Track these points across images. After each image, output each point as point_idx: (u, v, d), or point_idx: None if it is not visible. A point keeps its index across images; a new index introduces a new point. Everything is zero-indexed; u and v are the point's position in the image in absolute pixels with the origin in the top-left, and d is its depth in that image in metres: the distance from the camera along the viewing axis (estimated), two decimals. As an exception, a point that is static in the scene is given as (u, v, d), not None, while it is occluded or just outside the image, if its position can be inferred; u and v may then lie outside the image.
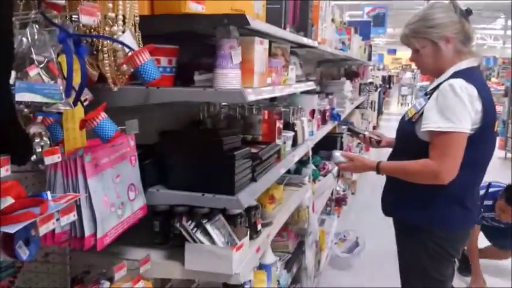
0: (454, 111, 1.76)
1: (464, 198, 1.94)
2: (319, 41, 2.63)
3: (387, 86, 17.11)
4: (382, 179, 2.14)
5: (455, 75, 1.85)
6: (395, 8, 20.53)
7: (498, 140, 9.00)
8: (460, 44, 1.88)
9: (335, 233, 4.03)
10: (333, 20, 4.00)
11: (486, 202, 3.57)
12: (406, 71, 25.82)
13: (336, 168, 3.74)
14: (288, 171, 2.86)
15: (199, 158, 1.58)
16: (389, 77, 18.64)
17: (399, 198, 2.05)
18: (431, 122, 1.80)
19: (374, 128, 11.33)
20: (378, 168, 2.03)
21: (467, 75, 1.83)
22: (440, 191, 1.87)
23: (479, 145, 1.85)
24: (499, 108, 10.25)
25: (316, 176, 3.20)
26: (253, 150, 1.73)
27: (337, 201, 4.56)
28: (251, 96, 1.50)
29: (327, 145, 3.76)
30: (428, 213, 1.94)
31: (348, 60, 5.28)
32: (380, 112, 13.02)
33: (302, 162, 2.98)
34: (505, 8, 21.92)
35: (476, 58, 1.92)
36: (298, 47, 2.50)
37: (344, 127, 5.03)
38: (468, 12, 1.90)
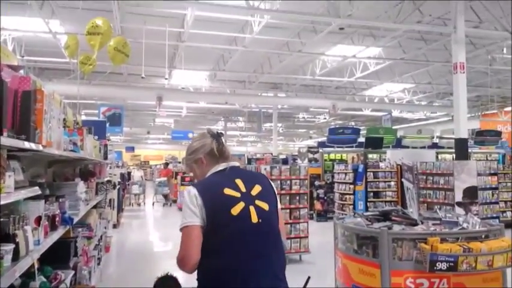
0: (184, 211, 2.18)
1: (222, 284, 2.08)
2: (44, 144, 2.52)
3: (127, 183, 17.22)
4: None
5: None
6: (130, 108, 21.49)
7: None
8: (212, 158, 2.36)
9: None
10: (65, 120, 3.91)
11: None
12: (140, 168, 26.12)
13: (70, 276, 3.48)
14: (12, 289, 2.54)
15: None
16: (129, 173, 18.86)
17: None
18: None
19: (114, 226, 11.12)
20: None
21: (201, 180, 2.34)
22: (206, 279, 2.13)
23: (220, 231, 2.14)
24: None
25: (46, 288, 2.90)
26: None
27: (75, 313, 4.16)
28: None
29: (60, 251, 3.49)
30: None
31: (83, 160, 5.17)
32: (120, 209, 12.92)
33: (29, 276, 2.68)
34: (224, 112, 25.72)
35: (222, 164, 2.34)
36: (20, 150, 2.35)
37: (80, 229, 4.79)
38: (219, 134, 2.42)
